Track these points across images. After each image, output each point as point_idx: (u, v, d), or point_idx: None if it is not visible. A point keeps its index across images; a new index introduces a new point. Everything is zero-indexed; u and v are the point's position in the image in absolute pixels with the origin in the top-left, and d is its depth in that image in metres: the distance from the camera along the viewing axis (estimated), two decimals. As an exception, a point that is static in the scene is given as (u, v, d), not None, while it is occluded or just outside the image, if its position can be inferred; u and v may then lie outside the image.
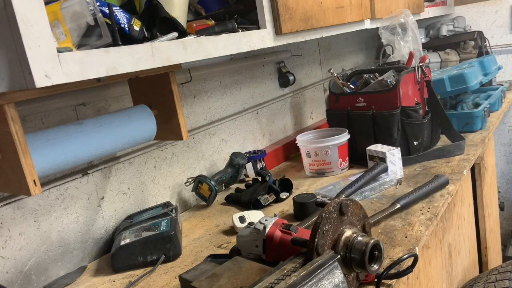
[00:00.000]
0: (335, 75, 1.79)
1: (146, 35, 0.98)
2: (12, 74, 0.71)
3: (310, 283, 0.73)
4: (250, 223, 1.02)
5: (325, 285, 0.74)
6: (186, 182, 1.54)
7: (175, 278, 1.09)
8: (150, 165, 1.45)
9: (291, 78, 2.03)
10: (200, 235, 1.32)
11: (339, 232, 0.85)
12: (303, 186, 1.59)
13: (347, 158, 1.69)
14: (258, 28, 1.22)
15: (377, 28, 1.90)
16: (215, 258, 1.02)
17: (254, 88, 1.91)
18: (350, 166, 1.71)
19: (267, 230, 0.92)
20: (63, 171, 1.19)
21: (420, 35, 2.08)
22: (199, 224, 1.41)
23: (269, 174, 1.55)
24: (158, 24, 1.01)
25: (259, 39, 1.20)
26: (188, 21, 1.14)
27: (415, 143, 1.65)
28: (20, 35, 0.68)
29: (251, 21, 1.24)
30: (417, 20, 1.96)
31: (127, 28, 0.93)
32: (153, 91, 1.21)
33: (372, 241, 0.83)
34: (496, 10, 2.76)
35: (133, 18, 0.95)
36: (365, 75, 1.86)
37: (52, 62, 0.72)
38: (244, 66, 1.82)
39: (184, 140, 1.22)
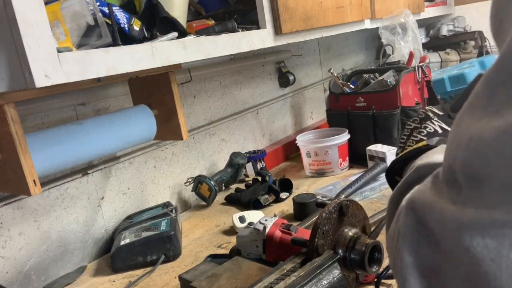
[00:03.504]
0: (335, 75, 1.79)
1: (146, 35, 0.98)
2: (12, 74, 0.71)
3: (309, 283, 0.73)
4: (250, 223, 1.02)
5: (324, 285, 0.74)
6: (186, 182, 1.53)
7: (175, 278, 1.09)
8: (150, 165, 1.45)
9: (291, 78, 2.03)
10: (200, 235, 1.32)
11: (339, 232, 0.85)
12: (303, 186, 1.59)
13: (347, 158, 1.69)
14: (258, 28, 1.22)
15: (377, 28, 1.90)
16: (215, 258, 1.02)
17: (254, 88, 1.91)
18: (350, 166, 1.71)
19: (267, 230, 0.92)
20: (63, 171, 1.19)
21: (420, 35, 2.08)
22: (199, 224, 1.41)
23: (269, 174, 1.55)
24: (158, 24, 1.01)
25: (259, 39, 1.20)
26: (188, 21, 1.14)
27: (415, 143, 1.65)
28: (20, 35, 0.68)
29: (251, 21, 1.24)
30: (417, 20, 1.96)
31: (127, 28, 0.93)
32: (153, 91, 1.21)
33: (372, 242, 0.83)
34: (496, 10, 2.75)
35: (133, 18, 0.95)
36: (365, 75, 1.86)
37: (52, 62, 0.72)
38: (244, 66, 1.82)
39: (184, 140, 1.22)
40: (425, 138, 0.68)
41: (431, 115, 0.73)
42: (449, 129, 0.68)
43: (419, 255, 0.37)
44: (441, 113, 0.74)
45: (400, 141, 0.76)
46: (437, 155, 0.60)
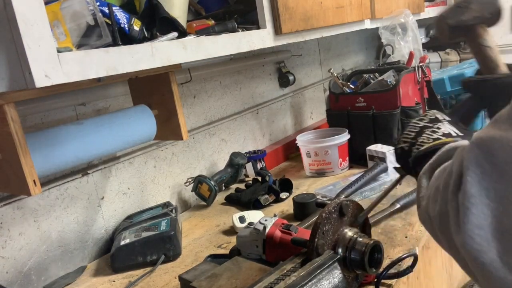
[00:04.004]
0: (335, 75, 1.79)
1: (146, 35, 0.98)
2: (12, 74, 0.71)
3: (309, 283, 0.73)
4: (250, 223, 1.02)
5: (324, 285, 0.74)
6: (186, 182, 1.53)
7: (175, 278, 1.09)
8: (150, 165, 1.45)
9: (291, 78, 2.03)
10: (200, 235, 1.32)
11: (339, 232, 0.85)
12: (303, 186, 1.59)
13: (347, 158, 1.69)
14: (258, 28, 1.22)
15: (377, 28, 1.90)
16: (215, 258, 1.02)
17: (254, 88, 1.91)
18: (350, 166, 1.71)
19: (267, 230, 0.92)
20: (63, 171, 1.19)
21: (420, 35, 2.08)
22: (199, 224, 1.41)
23: (269, 174, 1.55)
24: (158, 24, 1.01)
25: (259, 39, 1.20)
26: (188, 21, 1.14)
27: (415, 143, 1.65)
28: (20, 35, 0.68)
29: (251, 21, 1.24)
30: (417, 20, 1.96)
31: (127, 28, 0.93)
32: (153, 91, 1.21)
33: (372, 242, 0.83)
34: (496, 10, 2.75)
35: (133, 18, 0.95)
36: (365, 75, 1.86)
37: (52, 62, 0.72)
38: (244, 66, 1.82)
39: (184, 140, 1.22)
40: (442, 138, 0.68)
41: (439, 117, 0.73)
42: (461, 134, 0.69)
43: (482, 187, 0.40)
44: (449, 119, 0.74)
45: (404, 137, 0.75)
46: (463, 143, 0.65)
